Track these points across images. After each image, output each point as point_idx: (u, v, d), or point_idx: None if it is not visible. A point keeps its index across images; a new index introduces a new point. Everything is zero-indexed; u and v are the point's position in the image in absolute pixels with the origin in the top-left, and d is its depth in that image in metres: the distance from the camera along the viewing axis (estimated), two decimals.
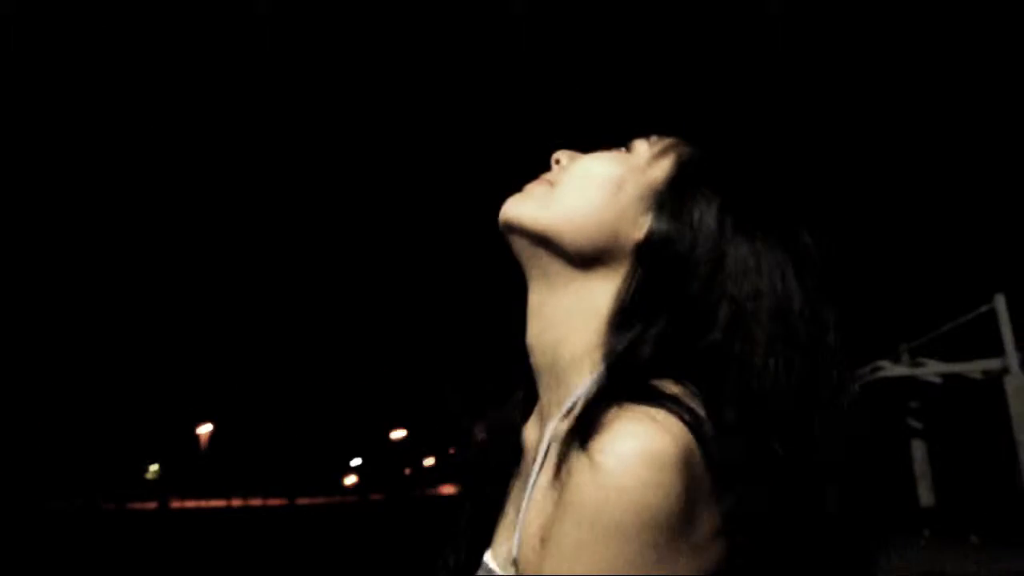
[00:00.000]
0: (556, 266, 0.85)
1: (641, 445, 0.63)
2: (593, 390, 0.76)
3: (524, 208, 0.86)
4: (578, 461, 0.65)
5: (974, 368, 12.10)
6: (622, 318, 0.80)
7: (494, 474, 0.90)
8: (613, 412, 0.67)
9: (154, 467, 63.31)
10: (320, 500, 63.58)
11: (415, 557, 15.80)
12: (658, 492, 0.62)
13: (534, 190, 0.88)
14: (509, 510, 0.86)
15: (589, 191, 0.84)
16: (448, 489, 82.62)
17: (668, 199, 0.82)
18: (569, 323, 0.83)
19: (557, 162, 0.91)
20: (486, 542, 0.87)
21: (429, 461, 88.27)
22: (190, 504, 54.95)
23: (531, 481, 0.78)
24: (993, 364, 11.90)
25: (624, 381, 0.72)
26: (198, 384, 71.61)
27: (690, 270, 0.78)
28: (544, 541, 0.69)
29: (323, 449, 75.43)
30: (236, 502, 59.07)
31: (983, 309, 11.85)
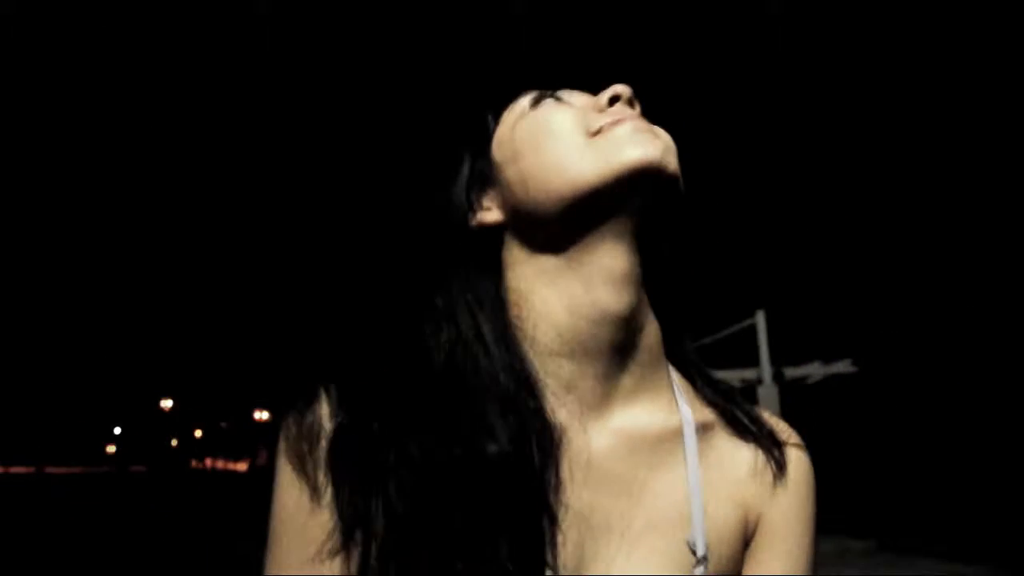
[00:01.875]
0: (653, 236, 0.76)
1: None
2: (707, 386, 0.82)
3: (676, 162, 0.74)
4: (789, 453, 0.79)
5: (733, 377, 13.15)
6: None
7: (533, 468, 0.68)
8: (756, 410, 0.84)
9: None
10: (74, 470, 59.06)
11: (177, 531, 15.08)
12: None
13: (669, 143, 0.75)
14: (597, 511, 0.70)
15: None
16: (215, 463, 79.20)
17: None
18: (646, 300, 0.76)
19: (632, 102, 0.78)
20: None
21: (198, 433, 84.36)
22: None
23: (691, 474, 0.73)
24: (750, 374, 13.03)
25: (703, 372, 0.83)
26: None
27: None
28: (769, 521, 0.76)
29: (80, 414, 70.02)
30: None
31: (745, 323, 12.94)
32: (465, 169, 0.81)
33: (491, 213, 0.78)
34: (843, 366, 13.15)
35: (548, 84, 0.83)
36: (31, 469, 55.93)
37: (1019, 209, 14.09)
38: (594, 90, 0.82)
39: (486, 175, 0.80)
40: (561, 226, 0.73)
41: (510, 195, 0.77)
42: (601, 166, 0.71)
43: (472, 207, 0.79)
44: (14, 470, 55.50)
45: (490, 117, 0.83)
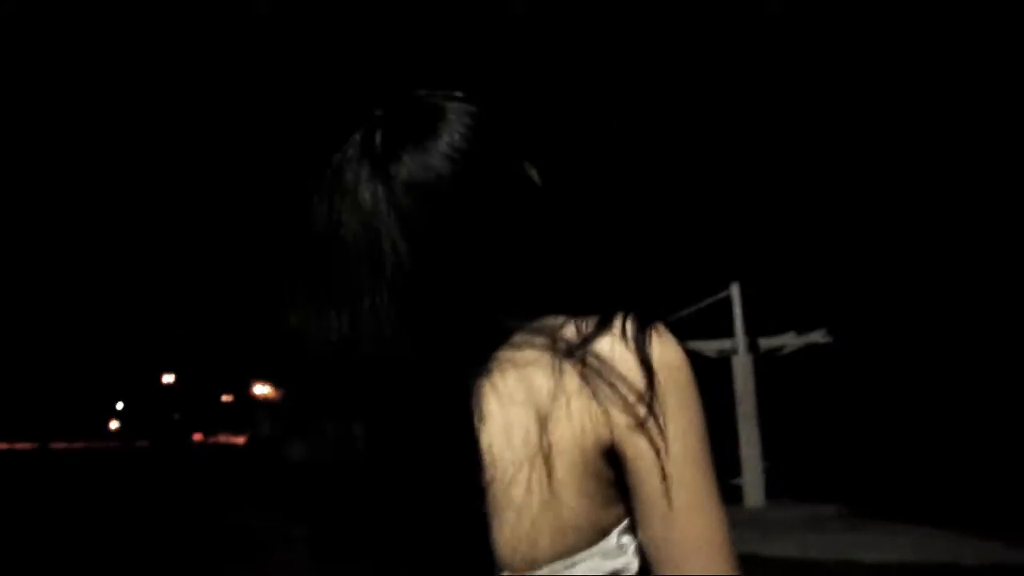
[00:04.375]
0: None
1: None
2: None
3: None
4: None
5: (709, 347, 13.46)
6: None
7: None
8: None
9: None
10: (78, 445, 59.65)
11: (182, 506, 15.50)
12: None
13: None
14: None
15: None
16: (217, 437, 79.80)
17: None
18: None
19: None
20: None
21: (199, 407, 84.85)
22: None
23: None
24: (725, 344, 13.32)
25: None
26: None
27: None
28: None
29: (83, 391, 70.60)
30: None
31: (720, 295, 13.23)
32: None
33: None
34: (818, 336, 13.42)
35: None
36: (34, 445, 56.50)
37: (997, 177, 14.32)
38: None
39: None
40: None
41: None
42: None
43: None
44: (19, 446, 56.07)
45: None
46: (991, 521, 8.23)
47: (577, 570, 0.72)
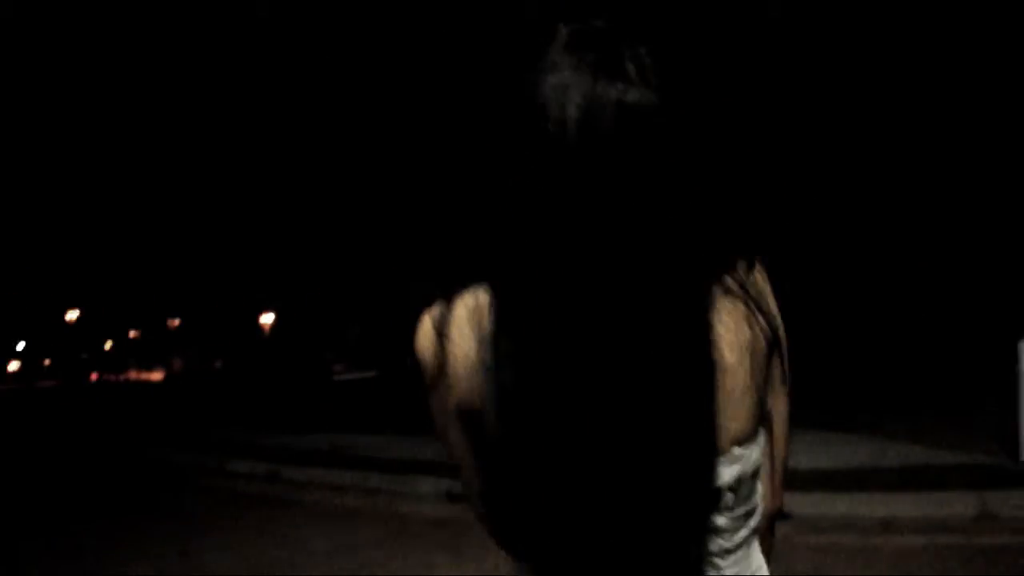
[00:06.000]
0: None
1: None
2: None
3: None
4: None
5: None
6: None
7: None
8: None
9: None
10: None
11: (94, 446, 15.06)
12: None
13: None
14: None
15: None
16: (129, 373, 77.74)
17: None
18: None
19: None
20: None
21: (108, 344, 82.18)
22: None
23: None
24: None
25: None
26: None
27: None
28: None
29: None
30: None
31: None
32: None
33: None
34: None
35: None
36: None
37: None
38: None
39: None
40: None
41: None
42: None
43: None
44: None
45: None
46: (911, 428, 8.59)
47: (754, 450, 0.96)
